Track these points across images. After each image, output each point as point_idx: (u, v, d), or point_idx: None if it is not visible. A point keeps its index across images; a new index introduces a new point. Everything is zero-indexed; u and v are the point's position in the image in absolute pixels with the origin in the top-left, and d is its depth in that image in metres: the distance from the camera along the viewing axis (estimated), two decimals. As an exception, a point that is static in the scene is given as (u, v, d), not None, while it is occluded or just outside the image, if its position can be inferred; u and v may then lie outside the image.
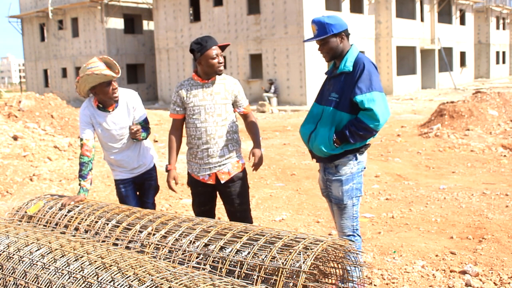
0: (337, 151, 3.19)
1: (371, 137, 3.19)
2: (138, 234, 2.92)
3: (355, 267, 2.84)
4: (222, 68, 3.53)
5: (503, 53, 42.56)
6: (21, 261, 2.62)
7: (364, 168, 3.35)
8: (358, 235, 3.35)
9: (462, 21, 33.30)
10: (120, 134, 3.76)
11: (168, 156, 3.72)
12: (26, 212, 3.51)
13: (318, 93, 3.45)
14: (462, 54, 33.31)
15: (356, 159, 3.25)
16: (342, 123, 3.17)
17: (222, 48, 3.56)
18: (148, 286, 2.12)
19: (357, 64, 3.18)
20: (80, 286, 2.31)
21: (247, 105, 3.73)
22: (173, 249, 2.73)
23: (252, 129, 3.74)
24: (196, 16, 25.48)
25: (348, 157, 3.23)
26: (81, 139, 3.73)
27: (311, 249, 2.43)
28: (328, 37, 3.19)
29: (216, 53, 3.47)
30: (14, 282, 2.59)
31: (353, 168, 3.25)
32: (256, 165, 3.64)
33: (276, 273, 2.37)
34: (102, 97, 3.63)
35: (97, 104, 3.71)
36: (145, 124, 3.84)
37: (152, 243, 2.81)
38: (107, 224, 3.10)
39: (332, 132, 3.17)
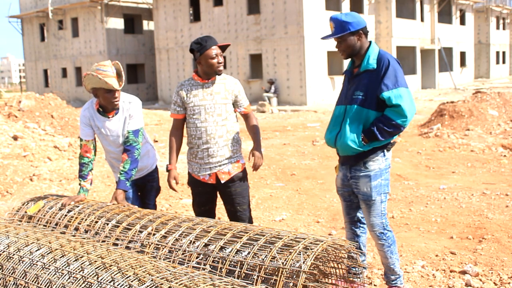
0: (365, 148, 3.21)
1: (398, 133, 3.21)
2: (138, 234, 2.92)
3: (354, 267, 2.85)
4: (221, 68, 3.53)
5: (503, 53, 42.55)
6: (21, 261, 2.62)
7: (389, 165, 3.36)
8: (388, 230, 3.35)
9: (462, 21, 33.30)
10: (117, 141, 3.73)
11: (169, 156, 3.72)
12: (26, 212, 3.51)
13: (339, 95, 3.46)
14: (462, 54, 33.31)
15: (384, 155, 3.28)
16: (369, 120, 3.19)
17: (223, 48, 3.55)
18: (148, 286, 2.12)
19: (381, 60, 3.19)
20: (80, 286, 2.31)
21: (247, 105, 3.73)
22: (173, 249, 2.73)
23: (253, 129, 3.74)
24: (196, 16, 25.47)
25: (376, 153, 3.26)
26: (81, 140, 3.72)
27: (311, 249, 2.43)
28: (345, 35, 3.17)
29: (216, 53, 3.47)
30: (14, 282, 2.59)
31: (381, 164, 3.27)
32: (256, 166, 3.63)
33: (276, 273, 2.37)
34: (102, 101, 3.59)
35: (98, 108, 3.68)
36: (133, 137, 3.61)
37: (152, 243, 2.81)
38: (107, 224, 3.10)
39: (359, 130, 3.19)
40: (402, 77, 3.17)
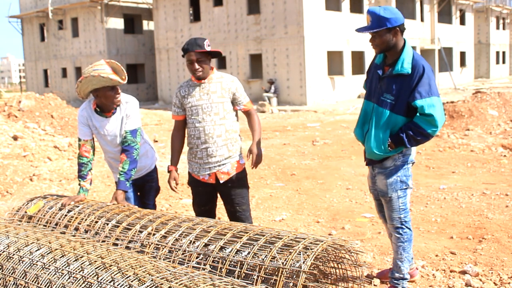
0: (390, 153, 3.21)
1: (426, 141, 3.18)
2: (138, 234, 2.92)
3: (355, 267, 2.85)
4: (199, 74, 3.50)
5: (503, 53, 42.55)
6: (21, 261, 2.62)
7: (413, 161, 3.34)
8: (407, 227, 3.34)
9: (462, 21, 33.29)
10: (114, 141, 3.72)
11: (170, 157, 3.73)
12: (26, 212, 3.51)
13: (367, 88, 3.42)
14: (462, 54, 33.31)
15: (401, 151, 3.25)
16: (397, 126, 3.18)
17: (213, 53, 3.50)
18: (148, 286, 2.12)
19: (415, 67, 3.12)
20: (80, 286, 2.31)
21: (247, 102, 3.70)
22: (173, 249, 2.73)
23: (253, 126, 3.71)
24: (196, 16, 25.48)
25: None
26: (79, 140, 3.71)
27: (311, 249, 2.43)
28: (381, 31, 3.11)
29: (193, 59, 3.45)
30: (14, 282, 2.59)
31: (397, 160, 3.25)
32: (255, 163, 3.61)
33: (276, 273, 2.37)
34: (104, 101, 3.58)
35: (95, 108, 3.67)
36: (131, 137, 3.61)
37: (152, 243, 2.81)
38: (107, 224, 3.10)
39: (386, 136, 3.18)
40: (435, 85, 3.12)
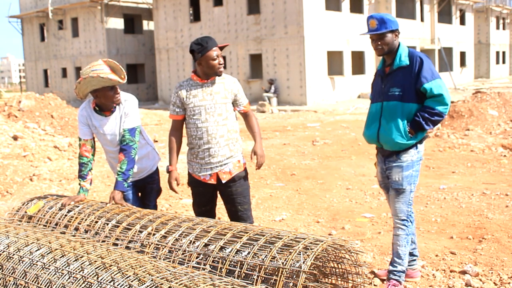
0: (412, 140, 3.42)
1: (441, 121, 3.43)
2: (138, 234, 2.92)
3: (354, 267, 2.85)
4: (222, 69, 3.54)
5: (503, 53, 42.55)
6: (21, 261, 2.62)
7: (422, 158, 3.56)
8: (410, 221, 3.54)
9: (462, 21, 33.29)
10: (114, 140, 3.71)
11: (169, 157, 3.71)
12: (26, 212, 3.51)
13: (372, 94, 3.69)
14: (462, 54, 33.30)
15: (416, 148, 3.49)
16: (412, 113, 3.41)
17: (221, 48, 3.56)
18: (148, 286, 2.12)
19: (413, 57, 3.43)
20: (80, 286, 2.31)
21: (246, 104, 3.73)
22: (173, 249, 2.73)
23: (253, 127, 3.74)
24: (196, 16, 25.47)
25: (409, 146, 3.45)
26: (80, 139, 3.71)
27: (311, 249, 2.43)
28: (386, 32, 3.42)
29: (217, 54, 3.48)
30: (14, 282, 2.59)
31: (413, 156, 3.48)
32: (259, 164, 3.64)
33: (276, 273, 2.37)
34: (104, 101, 3.57)
35: (94, 107, 3.66)
36: (129, 135, 3.58)
37: (152, 243, 2.81)
38: (107, 224, 3.10)
39: (404, 124, 3.40)
40: (435, 70, 3.41)
